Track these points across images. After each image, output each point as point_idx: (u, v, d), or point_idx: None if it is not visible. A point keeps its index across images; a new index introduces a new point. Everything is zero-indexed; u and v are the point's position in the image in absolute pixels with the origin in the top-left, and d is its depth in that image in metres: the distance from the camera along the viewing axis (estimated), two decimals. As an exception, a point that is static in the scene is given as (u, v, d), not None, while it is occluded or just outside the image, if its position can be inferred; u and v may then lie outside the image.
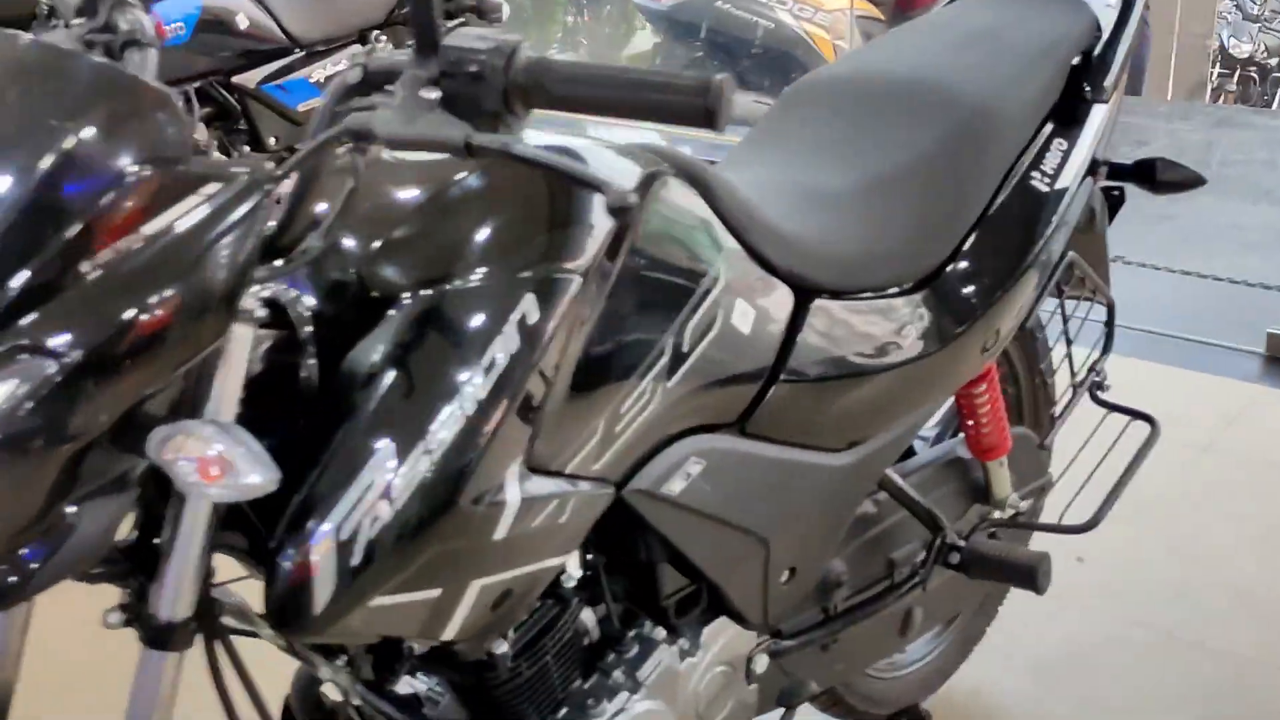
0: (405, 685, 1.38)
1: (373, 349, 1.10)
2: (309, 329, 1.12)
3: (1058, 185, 1.71)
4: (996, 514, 1.90)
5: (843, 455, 1.55)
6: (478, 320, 1.12)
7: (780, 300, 1.44)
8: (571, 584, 1.36)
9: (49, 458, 0.92)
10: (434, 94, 1.00)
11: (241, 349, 1.03)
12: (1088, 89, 1.77)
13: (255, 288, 1.04)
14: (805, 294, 1.48)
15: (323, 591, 1.04)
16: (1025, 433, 1.95)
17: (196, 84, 3.24)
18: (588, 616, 1.43)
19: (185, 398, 1.02)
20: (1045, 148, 1.72)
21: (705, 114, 0.97)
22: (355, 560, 1.05)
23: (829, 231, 1.53)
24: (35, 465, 0.91)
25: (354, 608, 1.06)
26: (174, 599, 1.04)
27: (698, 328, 1.32)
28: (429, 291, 1.12)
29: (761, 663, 1.57)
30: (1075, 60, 1.78)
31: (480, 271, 1.14)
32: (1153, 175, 1.84)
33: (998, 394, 1.81)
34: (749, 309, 1.40)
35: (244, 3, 3.29)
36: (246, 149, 3.42)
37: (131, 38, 1.15)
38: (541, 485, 1.18)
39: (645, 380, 1.27)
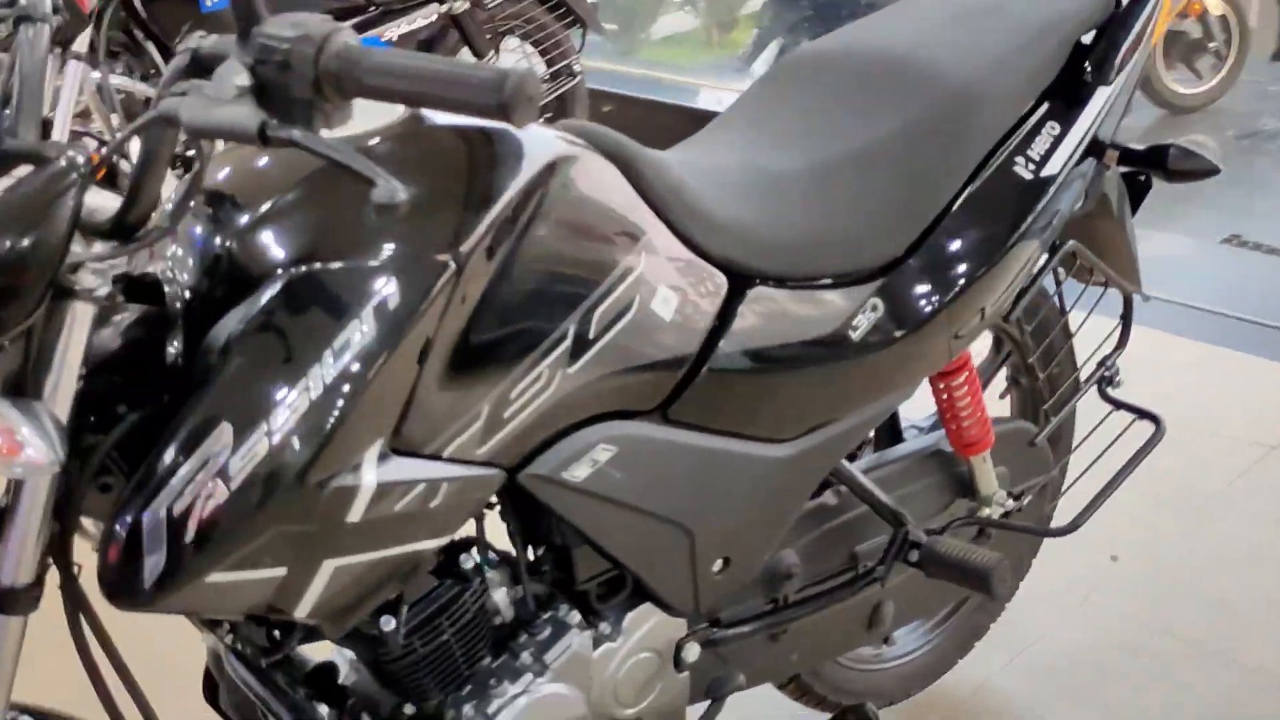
0: (324, 655, 1.40)
1: (229, 327, 1.11)
2: (178, 305, 1.14)
3: (1044, 171, 1.62)
4: (986, 511, 1.84)
5: (784, 446, 1.50)
6: (333, 303, 1.11)
7: (712, 287, 1.40)
8: (471, 564, 1.36)
9: None
10: (243, 81, 0.99)
11: (81, 326, 1.04)
12: (1089, 69, 1.67)
13: (100, 265, 1.05)
14: (742, 281, 1.43)
15: (152, 566, 1.05)
16: (1019, 427, 1.87)
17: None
18: (501, 597, 1.42)
19: (30, 372, 1.04)
20: (1035, 131, 1.63)
21: (499, 109, 0.94)
22: (187, 537, 1.06)
23: (777, 216, 1.47)
24: None
25: (187, 583, 1.07)
26: (15, 565, 1.06)
27: (607, 314, 1.30)
28: (292, 272, 1.12)
29: (693, 651, 1.55)
30: (1084, 37, 1.69)
31: (343, 255, 1.13)
32: (1164, 162, 1.74)
33: (977, 387, 1.74)
34: (672, 295, 1.36)
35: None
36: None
37: (24, 13, 1.16)
38: (409, 468, 1.17)
39: (540, 366, 1.25)
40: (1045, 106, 1.65)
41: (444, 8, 3.60)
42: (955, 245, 1.56)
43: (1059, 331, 1.97)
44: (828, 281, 1.50)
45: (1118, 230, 1.90)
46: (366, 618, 1.30)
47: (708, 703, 1.59)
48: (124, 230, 1.07)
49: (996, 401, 1.95)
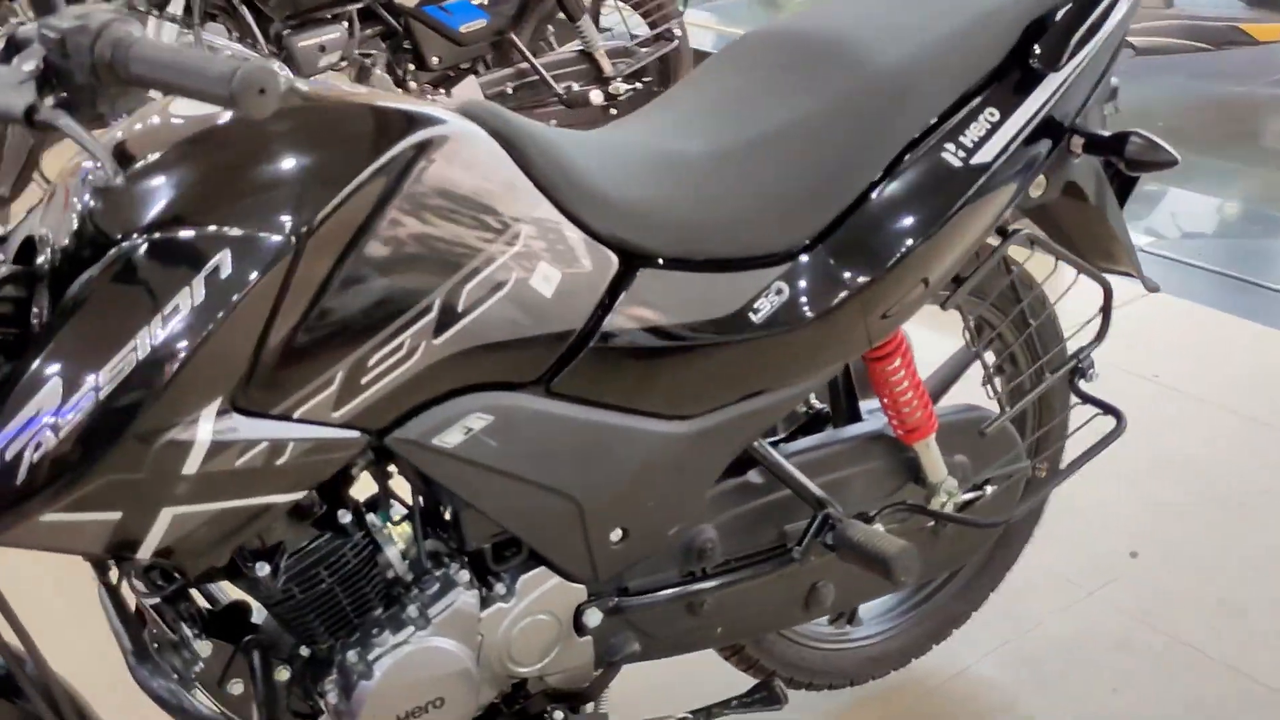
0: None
1: (77, 289, 1.20)
2: (46, 268, 1.23)
3: (976, 158, 1.59)
4: (938, 499, 1.82)
5: (683, 424, 1.53)
6: (169, 270, 1.19)
7: (600, 265, 1.43)
8: (348, 519, 1.43)
9: None
10: (30, 64, 1.07)
11: None
12: (1036, 53, 1.63)
13: None
14: (633, 260, 1.46)
15: None
16: (970, 415, 1.84)
17: (359, 4, 3.42)
18: (394, 553, 1.49)
19: None
20: (970, 117, 1.60)
21: (229, 100, 0.99)
22: (18, 480, 1.15)
23: (678, 197, 1.49)
24: None
25: (20, 522, 1.17)
26: None
27: (479, 289, 1.34)
28: (136, 238, 1.20)
29: (594, 617, 1.59)
30: (1045, 17, 1.65)
31: (188, 224, 1.21)
32: (1122, 151, 1.68)
33: (913, 371, 1.73)
34: (554, 272, 1.40)
35: (407, -76, 3.44)
36: (411, 67, 3.59)
37: None
38: (251, 427, 1.24)
39: (402, 337, 1.30)
40: (986, 92, 1.61)
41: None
42: (871, 231, 1.55)
43: (1044, 320, 1.94)
44: (727, 264, 1.51)
45: (1097, 219, 1.85)
46: (250, 561, 1.40)
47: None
48: None
49: (977, 389, 1.92)
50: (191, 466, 1.22)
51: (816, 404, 1.86)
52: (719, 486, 1.66)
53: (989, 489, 1.89)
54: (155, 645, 1.39)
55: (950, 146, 1.58)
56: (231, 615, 1.50)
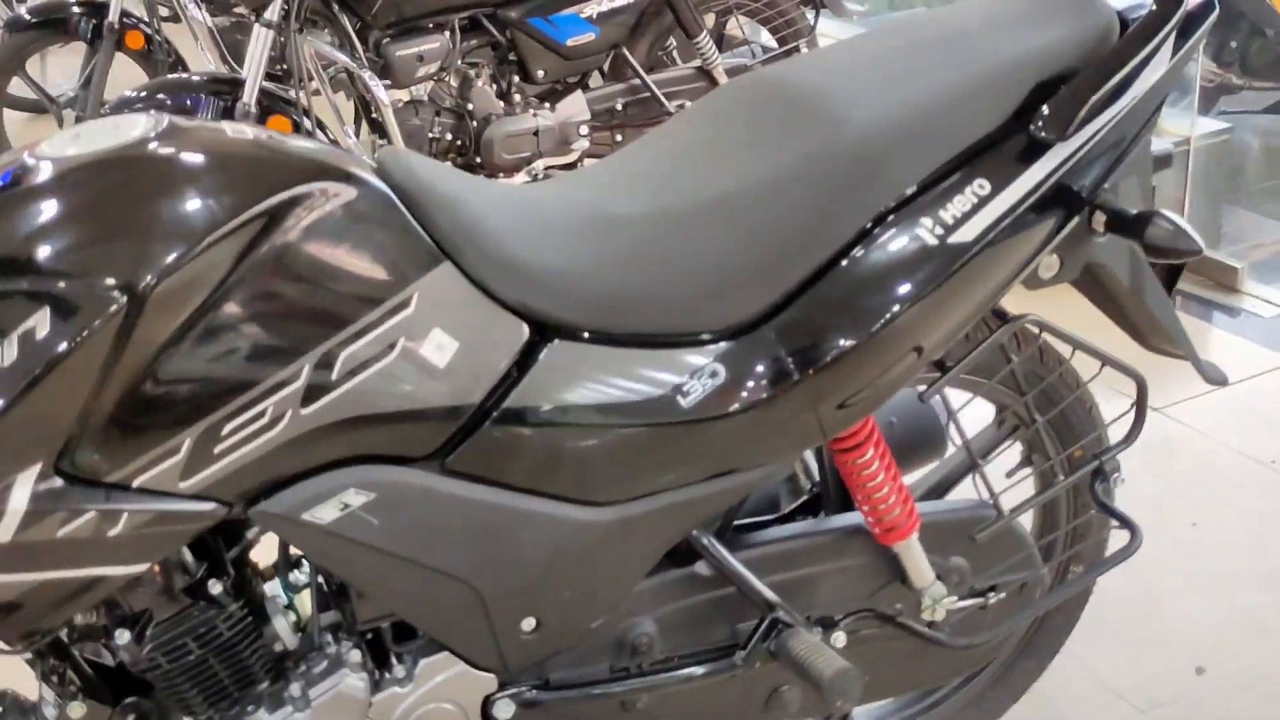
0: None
1: None
2: None
3: (954, 237, 1.39)
4: (926, 604, 1.63)
5: (602, 510, 1.39)
6: None
7: (507, 335, 1.31)
8: (219, 589, 1.34)
9: None
10: None
11: None
12: (1043, 119, 1.43)
13: None
14: (546, 330, 1.33)
15: None
16: (967, 514, 1.64)
17: (462, 15, 3.36)
18: (282, 625, 1.41)
19: None
20: (956, 188, 1.41)
21: None
22: None
23: (604, 264, 1.35)
24: None
25: None
26: None
27: (357, 356, 1.24)
28: None
29: (505, 709, 1.47)
30: (1057, 79, 1.45)
31: (11, 277, 1.13)
32: (1141, 234, 1.47)
33: (888, 464, 1.54)
34: (450, 341, 1.28)
35: (517, -64, 3.36)
36: (517, 80, 3.52)
37: None
38: (78, 495, 1.16)
39: (265, 403, 1.21)
40: (977, 160, 1.42)
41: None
42: (824, 313, 1.38)
43: (1082, 411, 1.73)
44: (656, 341, 1.37)
45: (1134, 304, 1.63)
46: (114, 626, 1.33)
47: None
48: None
49: (1002, 480, 1.72)
50: (4, 534, 1.15)
51: (806, 487, 1.70)
52: (660, 577, 1.52)
53: (993, 597, 1.69)
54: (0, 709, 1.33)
55: (927, 221, 1.40)
56: (121, 675, 1.44)
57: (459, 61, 3.42)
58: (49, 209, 1.16)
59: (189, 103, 3.21)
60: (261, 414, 1.21)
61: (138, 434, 1.18)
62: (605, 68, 3.72)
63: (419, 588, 1.36)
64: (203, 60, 3.82)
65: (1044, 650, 1.92)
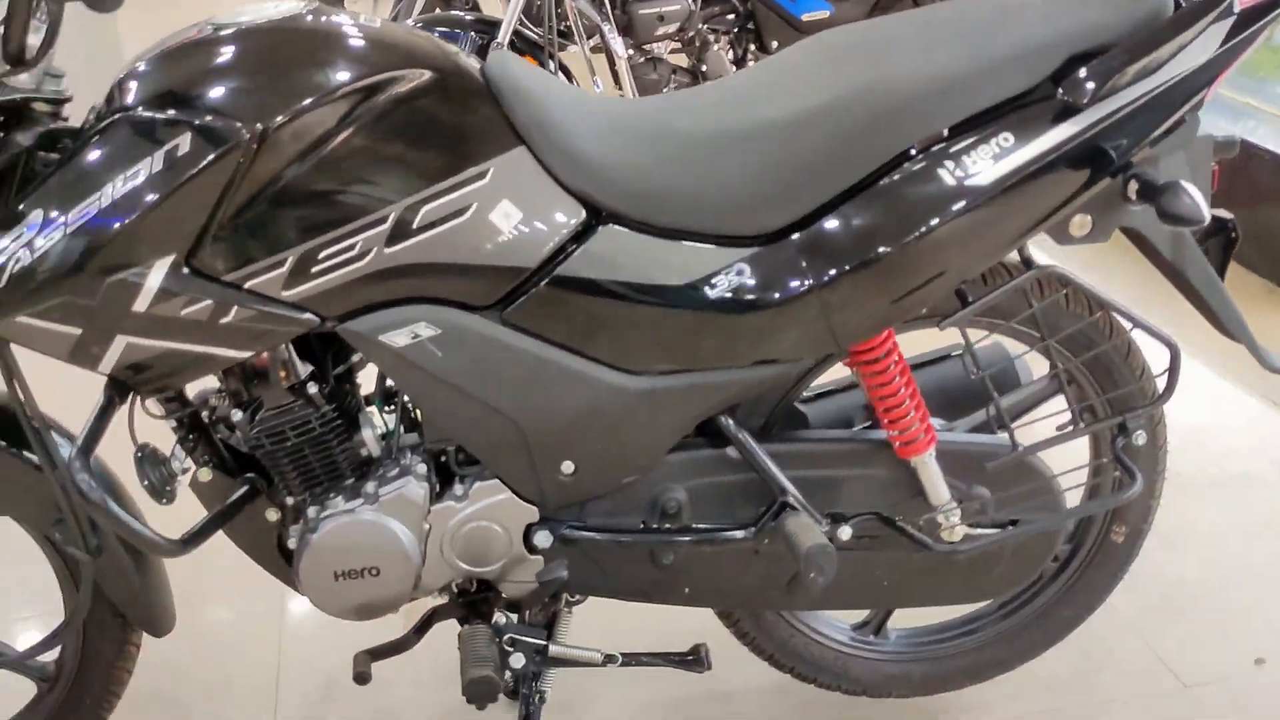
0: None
1: (78, 145, 1.50)
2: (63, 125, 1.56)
3: (971, 181, 1.55)
4: (944, 518, 1.79)
5: (635, 379, 1.63)
6: (139, 142, 1.46)
7: (564, 213, 1.57)
8: (314, 390, 1.65)
9: None
10: None
11: None
12: (1068, 86, 1.56)
13: None
14: (598, 215, 1.58)
15: None
16: (985, 446, 1.78)
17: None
18: (369, 433, 1.71)
19: None
20: (981, 139, 1.57)
21: None
22: (1, 283, 1.47)
23: (658, 168, 1.58)
24: None
25: (3, 317, 1.49)
26: None
27: (436, 211, 1.52)
28: (125, 114, 1.48)
29: (544, 539, 1.73)
30: (1093, 51, 1.58)
31: (165, 108, 1.47)
32: (1158, 200, 1.57)
33: (902, 383, 1.71)
34: (516, 212, 1.55)
35: (767, -88, 3.58)
36: (753, 48, 3.75)
37: None
38: (198, 286, 1.49)
39: (355, 239, 1.51)
40: (1006, 116, 1.57)
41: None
42: (840, 232, 1.57)
43: (1120, 364, 1.84)
44: (692, 236, 1.59)
45: (1176, 278, 1.73)
46: (232, 406, 1.67)
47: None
48: (12, 60, 1.49)
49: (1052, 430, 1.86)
50: (141, 305, 1.49)
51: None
52: (694, 452, 1.75)
53: (1013, 530, 1.82)
54: (139, 454, 1.68)
55: (949, 164, 1.56)
56: (243, 457, 1.77)
57: (700, 25, 3.68)
58: (207, 60, 1.50)
59: (451, 36, 3.60)
60: (352, 246, 1.51)
61: (251, 245, 1.50)
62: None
63: (472, 417, 1.64)
64: (499, 4, 4.23)
65: (1081, 602, 2.03)
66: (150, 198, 1.45)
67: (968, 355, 1.74)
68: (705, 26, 3.68)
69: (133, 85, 1.50)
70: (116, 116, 1.48)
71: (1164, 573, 2.41)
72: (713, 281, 1.59)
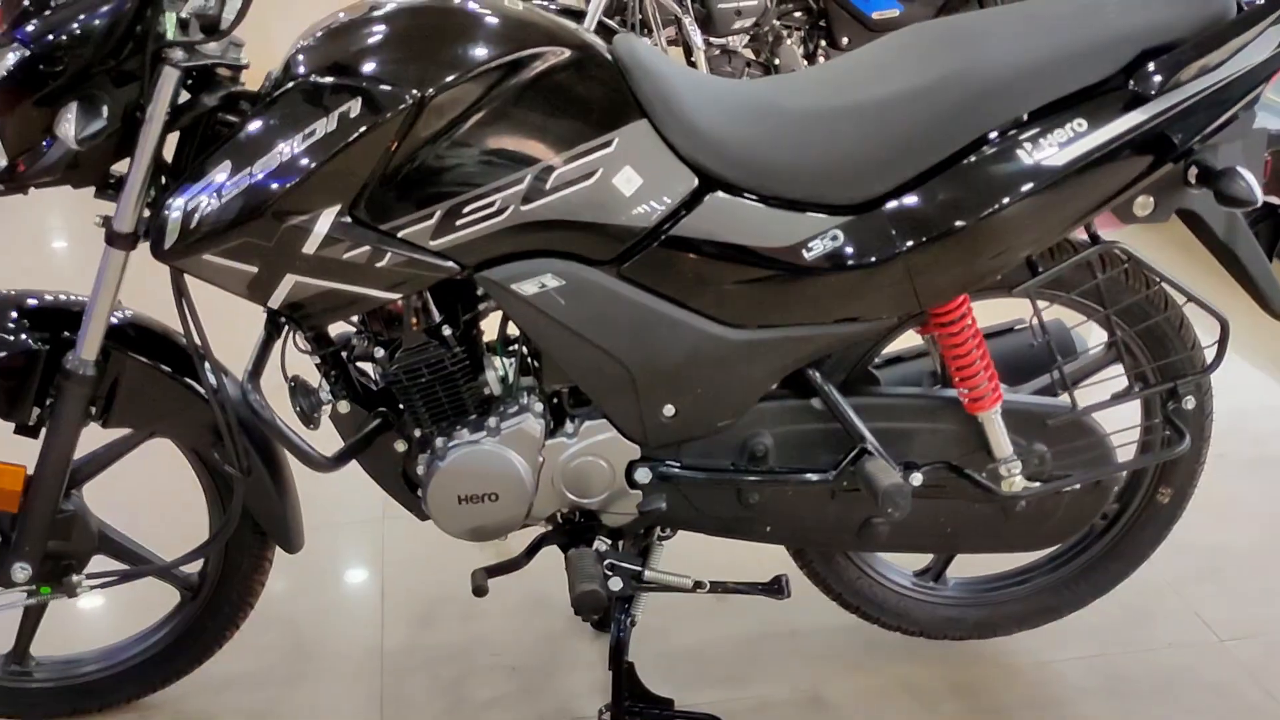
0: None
1: (259, 108, 1.70)
2: (259, 92, 1.76)
3: (1046, 161, 1.73)
4: (1003, 474, 1.97)
5: (735, 331, 1.82)
6: (315, 104, 1.66)
7: (679, 180, 1.76)
8: (448, 332, 1.85)
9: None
10: None
11: (168, 85, 1.69)
12: (1139, 77, 1.74)
13: (184, 41, 1.69)
14: (709, 182, 1.77)
15: (171, 235, 1.69)
16: (1045, 406, 1.96)
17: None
18: (492, 375, 1.91)
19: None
20: (1057, 123, 1.75)
21: None
22: (191, 224, 1.68)
23: (763, 141, 1.77)
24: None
25: (190, 254, 1.69)
26: (124, 215, 1.75)
27: (567, 175, 1.72)
28: (300, 80, 1.68)
29: (644, 475, 1.92)
30: (1165, 45, 1.75)
31: (339, 75, 1.67)
32: (1217, 184, 1.75)
33: (974, 344, 1.89)
34: (636, 178, 1.75)
35: (844, -86, 3.76)
36: (824, 44, 3.93)
37: None
38: (359, 233, 1.69)
39: (496, 197, 1.71)
40: (1081, 104, 1.75)
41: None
42: (926, 204, 1.75)
43: (1173, 334, 2.01)
44: (791, 204, 1.78)
45: (1227, 258, 1.91)
46: (373, 345, 1.87)
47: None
48: (207, 29, 1.70)
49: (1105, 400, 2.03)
50: (310, 248, 1.69)
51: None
52: (783, 402, 1.94)
53: (1069, 485, 2.00)
54: (292, 384, 1.88)
55: (1027, 145, 1.74)
56: (378, 393, 1.97)
57: (774, 21, 3.86)
58: (372, 35, 1.70)
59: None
60: (492, 204, 1.71)
61: (405, 199, 1.70)
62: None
63: (588, 360, 1.83)
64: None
65: (1127, 558, 2.20)
66: (323, 154, 1.65)
67: (1034, 321, 1.93)
68: (779, 22, 3.87)
69: (309, 55, 1.71)
70: (292, 84, 1.68)
71: (1205, 539, 2.58)
72: (809, 245, 1.78)
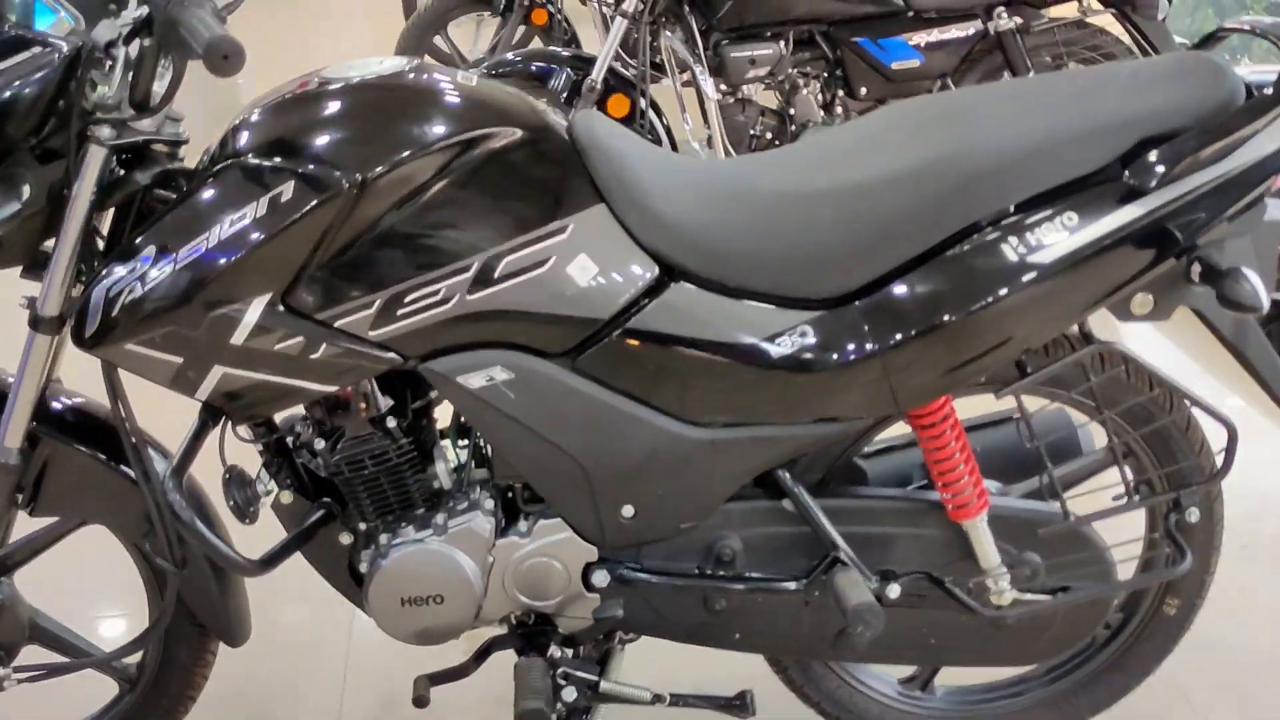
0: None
1: (191, 186, 1.60)
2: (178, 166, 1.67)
3: (1034, 257, 1.59)
4: (990, 586, 1.83)
5: (697, 430, 1.69)
6: (247, 186, 1.55)
7: (638, 269, 1.64)
8: (393, 424, 1.74)
9: None
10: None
11: (94, 164, 1.59)
12: (1136, 169, 1.60)
13: (110, 118, 1.58)
14: (671, 272, 1.65)
15: (93, 322, 1.58)
16: (1036, 513, 1.82)
17: (798, 29, 3.67)
18: (442, 467, 1.80)
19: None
20: (1047, 217, 1.61)
21: (200, 54, 1.33)
22: (113, 311, 1.57)
23: (730, 228, 1.64)
24: None
25: (111, 343, 1.58)
26: (48, 298, 1.65)
27: (517, 263, 1.60)
28: (235, 160, 1.57)
29: (602, 578, 1.80)
30: (1164, 135, 1.62)
31: (272, 156, 1.56)
32: (1221, 286, 1.61)
33: (959, 448, 1.75)
34: (592, 266, 1.63)
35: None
36: (841, 94, 3.80)
37: None
38: (292, 322, 1.58)
39: (441, 285, 1.60)
40: (1073, 195, 1.61)
41: (986, 24, 3.71)
42: (906, 298, 1.62)
43: (1179, 438, 1.86)
44: (759, 296, 1.65)
45: (1237, 358, 1.76)
46: (315, 435, 1.76)
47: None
48: (142, 107, 1.60)
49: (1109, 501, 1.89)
50: (238, 339, 1.58)
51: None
52: (752, 503, 1.81)
53: (1063, 597, 1.85)
54: (227, 476, 1.77)
55: (1013, 239, 1.61)
56: (322, 483, 1.86)
57: (790, 69, 3.74)
58: (314, 112, 1.59)
59: (547, 71, 3.71)
60: (436, 293, 1.60)
61: (342, 287, 1.59)
62: (934, 91, 3.94)
63: (540, 457, 1.71)
64: (596, 41, 4.33)
65: (1133, 670, 2.05)
66: (253, 239, 1.55)
67: (1023, 424, 1.79)
68: (795, 71, 3.74)
69: (244, 133, 1.60)
70: (228, 161, 1.58)
71: (1222, 640, 2.41)
72: (777, 341, 1.65)
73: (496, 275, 1.61)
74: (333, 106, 1.60)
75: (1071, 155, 1.62)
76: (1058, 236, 1.61)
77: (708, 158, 3.72)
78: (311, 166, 1.56)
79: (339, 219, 1.56)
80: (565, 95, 3.70)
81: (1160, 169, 1.60)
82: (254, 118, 1.62)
